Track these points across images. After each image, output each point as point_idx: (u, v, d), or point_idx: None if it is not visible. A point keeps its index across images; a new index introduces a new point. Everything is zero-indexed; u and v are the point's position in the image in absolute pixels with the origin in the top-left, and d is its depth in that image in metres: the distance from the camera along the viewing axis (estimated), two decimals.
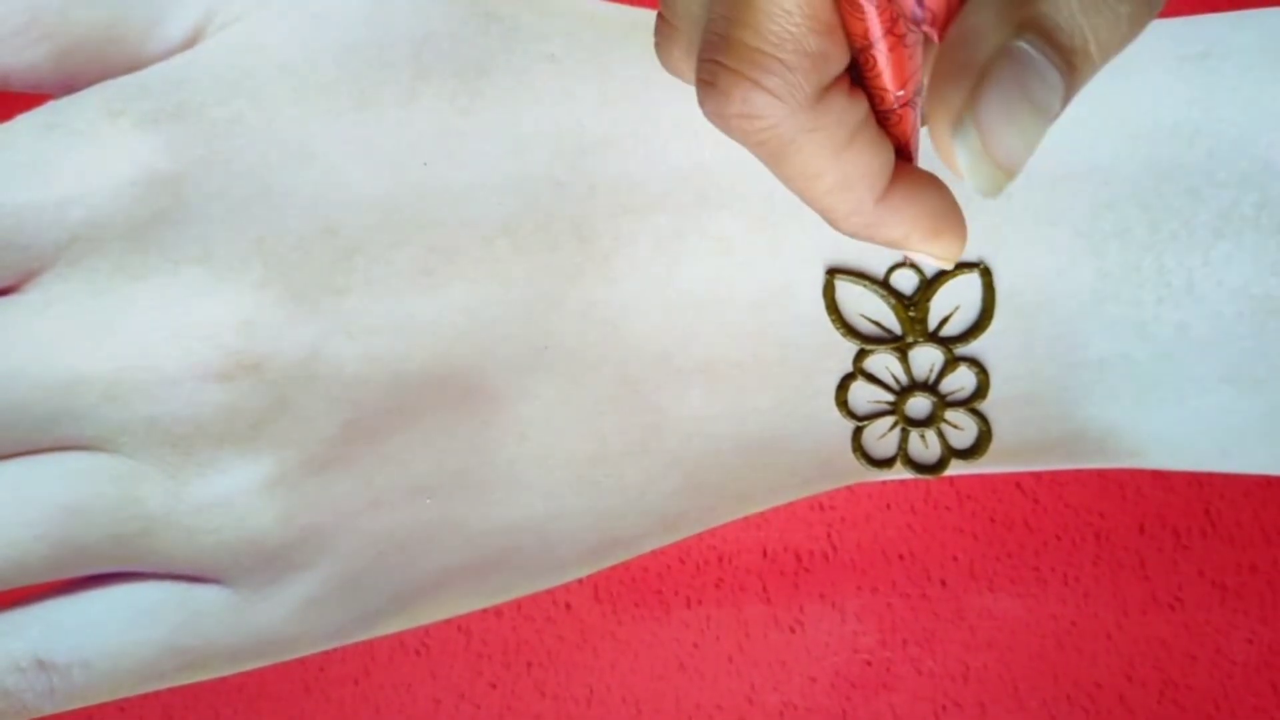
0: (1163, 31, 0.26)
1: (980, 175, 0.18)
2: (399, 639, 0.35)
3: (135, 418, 0.25)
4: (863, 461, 0.28)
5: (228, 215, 0.25)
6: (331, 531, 0.26)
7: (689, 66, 0.21)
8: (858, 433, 0.27)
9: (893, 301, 0.27)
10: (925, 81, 0.21)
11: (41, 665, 0.25)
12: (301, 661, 0.34)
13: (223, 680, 0.28)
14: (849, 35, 0.20)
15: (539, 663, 0.34)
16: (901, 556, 0.34)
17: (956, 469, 0.28)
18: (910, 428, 0.27)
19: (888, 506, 0.34)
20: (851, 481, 0.28)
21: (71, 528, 0.25)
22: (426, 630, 0.35)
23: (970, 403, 0.27)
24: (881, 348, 0.27)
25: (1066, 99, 0.18)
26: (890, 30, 0.19)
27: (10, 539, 0.25)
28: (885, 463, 0.28)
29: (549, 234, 0.26)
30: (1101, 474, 0.34)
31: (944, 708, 0.34)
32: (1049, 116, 0.18)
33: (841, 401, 0.27)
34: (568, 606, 0.34)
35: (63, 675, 0.25)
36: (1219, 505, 0.34)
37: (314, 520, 0.26)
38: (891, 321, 0.27)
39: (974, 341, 0.27)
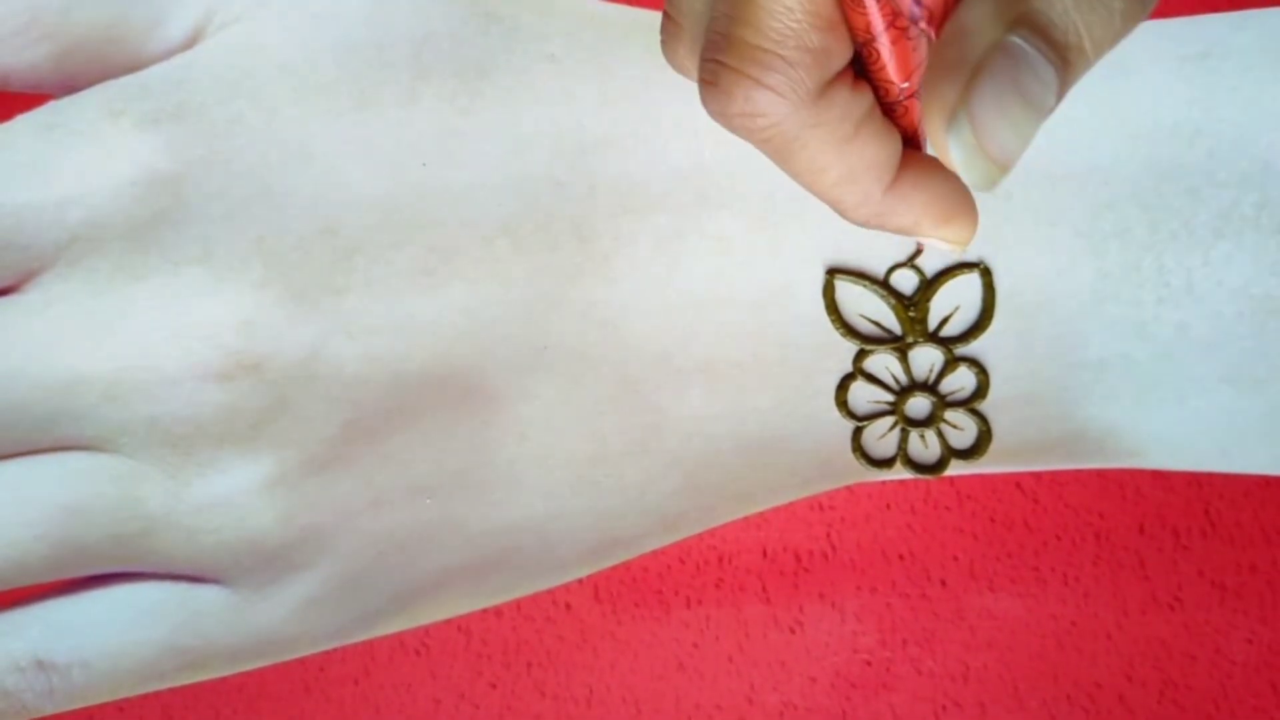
0: (1163, 31, 0.26)
1: (974, 170, 0.19)
2: (399, 639, 0.35)
3: (135, 418, 0.25)
4: (863, 461, 0.28)
5: (228, 215, 0.25)
6: (331, 531, 0.26)
7: (694, 64, 0.21)
8: (857, 433, 0.27)
9: (893, 301, 0.27)
10: None
11: (41, 665, 0.25)
12: (301, 661, 0.34)
13: (223, 680, 0.28)
14: (851, 30, 0.20)
15: (539, 663, 0.34)
16: (901, 556, 0.34)
17: (956, 469, 0.28)
18: (910, 428, 0.27)
19: (888, 506, 0.34)
20: (851, 481, 0.28)
21: (71, 528, 0.25)
22: (426, 630, 0.35)
23: (970, 403, 0.27)
24: (881, 348, 0.27)
25: (1060, 94, 0.18)
26: (892, 24, 0.20)
27: (10, 539, 0.25)
28: (885, 463, 0.28)
29: (549, 234, 0.26)
30: (1101, 474, 0.34)
31: (944, 708, 0.34)
32: (1043, 111, 0.18)
33: (841, 401, 0.27)
34: (568, 606, 0.34)
35: (63, 675, 0.25)
36: (1219, 505, 0.34)
37: (314, 520, 0.26)
38: (891, 321, 0.27)
39: (974, 341, 0.27)
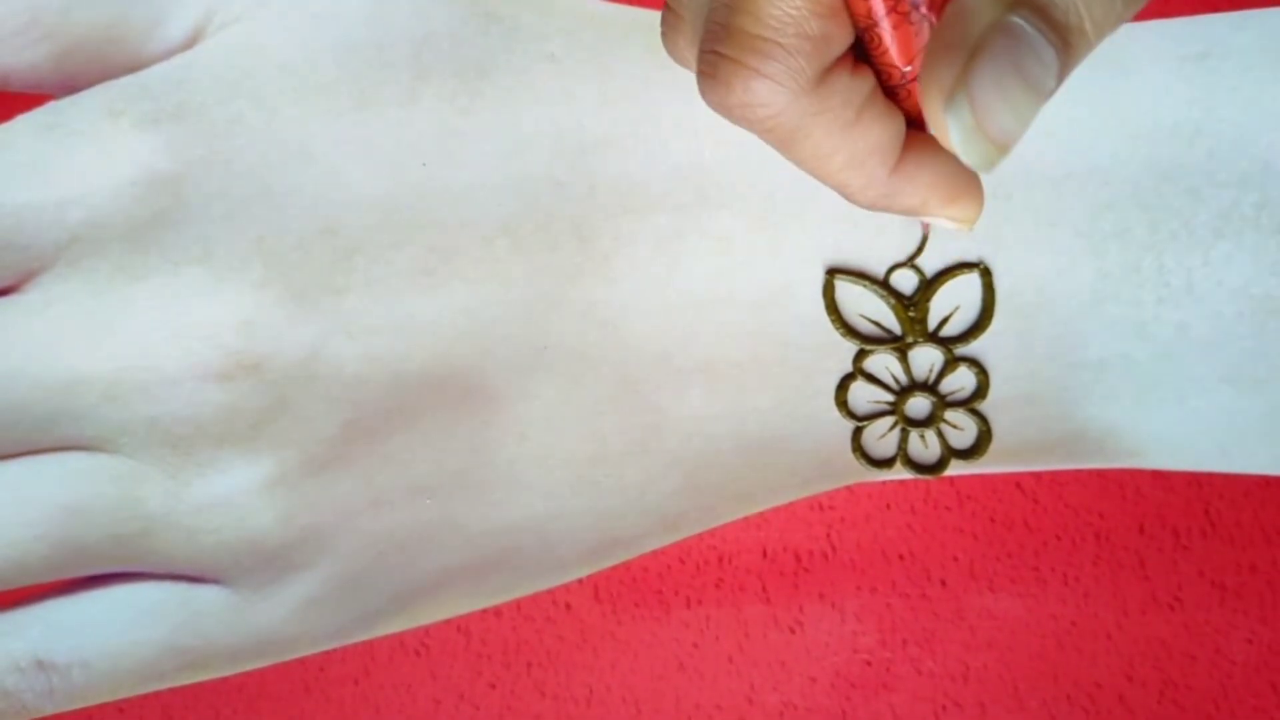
0: (1163, 31, 0.26)
1: (973, 150, 0.18)
2: (399, 639, 0.35)
3: (135, 418, 0.25)
4: (863, 461, 0.28)
5: (228, 215, 0.25)
6: (331, 531, 0.26)
7: (695, 56, 0.21)
8: (857, 433, 0.27)
9: (893, 301, 0.27)
10: None
11: (41, 665, 0.25)
12: (301, 661, 0.34)
13: (223, 680, 0.28)
14: (852, 15, 0.20)
15: (539, 663, 0.34)
16: (901, 556, 0.34)
17: (956, 469, 0.28)
18: (910, 428, 0.27)
19: (888, 506, 0.34)
20: (851, 481, 0.28)
21: (71, 528, 0.25)
22: (426, 630, 0.35)
23: (970, 403, 0.27)
24: (881, 348, 0.27)
25: (1061, 76, 0.18)
26: (894, 9, 0.19)
27: (10, 539, 0.25)
28: (885, 463, 0.28)
29: (549, 234, 0.26)
30: (1101, 474, 0.34)
31: (944, 708, 0.34)
32: (1043, 93, 0.18)
33: (841, 401, 0.27)
34: (568, 606, 0.34)
35: (63, 675, 0.25)
36: (1219, 505, 0.34)
37: (314, 520, 0.26)
38: (891, 321, 0.27)
39: (974, 342, 0.27)
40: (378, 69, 0.25)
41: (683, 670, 0.34)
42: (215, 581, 0.26)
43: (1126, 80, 0.26)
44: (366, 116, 0.25)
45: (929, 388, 0.27)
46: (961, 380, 0.27)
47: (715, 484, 0.27)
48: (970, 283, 0.26)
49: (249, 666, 0.27)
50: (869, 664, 0.34)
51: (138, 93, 0.25)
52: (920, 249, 0.26)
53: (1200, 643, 0.34)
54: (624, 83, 0.26)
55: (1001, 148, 0.18)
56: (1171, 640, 0.34)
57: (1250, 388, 0.26)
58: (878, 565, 0.34)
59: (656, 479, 0.27)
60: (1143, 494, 0.34)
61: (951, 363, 0.27)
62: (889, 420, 0.27)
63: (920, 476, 0.28)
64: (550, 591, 0.33)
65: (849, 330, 0.27)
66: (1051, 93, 0.18)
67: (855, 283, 0.26)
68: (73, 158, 0.24)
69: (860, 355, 0.27)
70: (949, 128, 0.18)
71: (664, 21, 0.21)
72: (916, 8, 0.19)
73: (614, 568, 0.30)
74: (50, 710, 0.26)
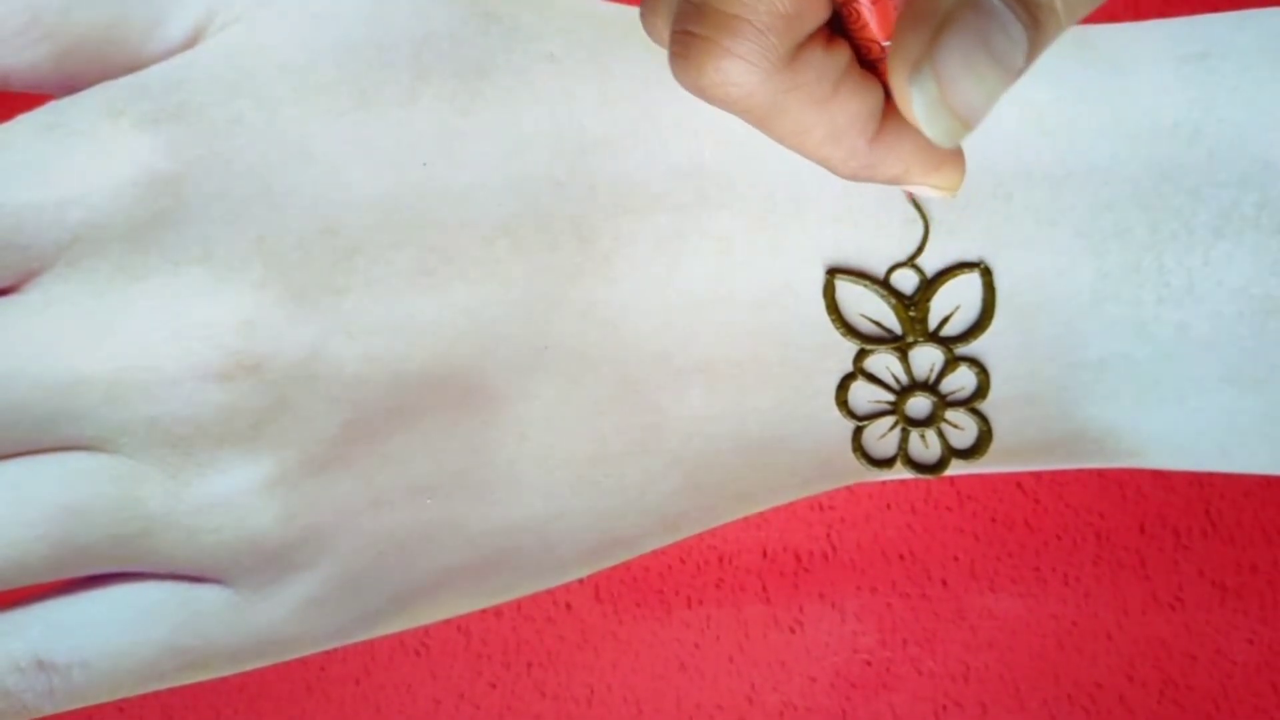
0: (1163, 31, 0.26)
1: (936, 124, 0.18)
2: (399, 639, 0.35)
3: (135, 418, 0.25)
4: (863, 461, 0.28)
5: (228, 215, 0.25)
6: (332, 531, 0.26)
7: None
8: (858, 433, 0.27)
9: (893, 301, 0.27)
10: None
11: (41, 665, 0.25)
12: (302, 661, 0.34)
13: (223, 680, 0.28)
14: None
15: (539, 663, 0.34)
16: (902, 556, 0.34)
17: (957, 469, 0.28)
18: (910, 428, 0.27)
19: (888, 506, 0.34)
20: (851, 481, 0.28)
21: (71, 528, 0.25)
22: (426, 630, 0.35)
23: (970, 403, 0.27)
24: (882, 348, 0.27)
25: (1031, 56, 0.18)
26: None
27: (10, 539, 0.25)
28: (885, 463, 0.28)
29: (549, 234, 0.26)
30: (1101, 474, 0.34)
31: (944, 708, 0.34)
32: (1011, 71, 0.18)
33: (841, 401, 0.27)
34: (568, 606, 0.34)
35: (63, 675, 0.25)
36: (1219, 505, 0.34)
37: (314, 520, 0.26)
38: (892, 321, 0.27)
39: (974, 341, 0.27)
40: (378, 69, 0.25)
41: (683, 670, 0.34)
42: (215, 581, 0.26)
43: (1126, 80, 0.26)
44: (367, 116, 0.25)
45: (929, 387, 0.27)
46: (962, 380, 0.27)
47: (715, 484, 0.27)
48: (970, 282, 0.26)
49: (249, 666, 0.27)
50: (869, 664, 0.34)
51: (138, 93, 0.25)
52: (921, 248, 0.26)
53: (1201, 643, 0.34)
54: (624, 83, 0.26)
55: (965, 123, 0.18)
56: (1172, 640, 0.34)
57: (1250, 388, 0.26)
58: (878, 565, 0.34)
59: (656, 479, 0.27)
60: (1143, 494, 0.34)
61: (952, 362, 0.27)
62: (889, 420, 0.27)
63: (921, 476, 0.28)
64: (550, 591, 0.33)
65: (849, 330, 0.27)
66: (1020, 72, 0.18)
67: (856, 282, 0.26)
68: (73, 158, 0.24)
69: (861, 355, 0.27)
70: (912, 98, 0.18)
71: (643, 2, 0.21)
72: None
73: (614, 568, 0.30)
74: (50, 710, 0.26)
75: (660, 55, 0.22)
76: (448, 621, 0.34)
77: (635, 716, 0.34)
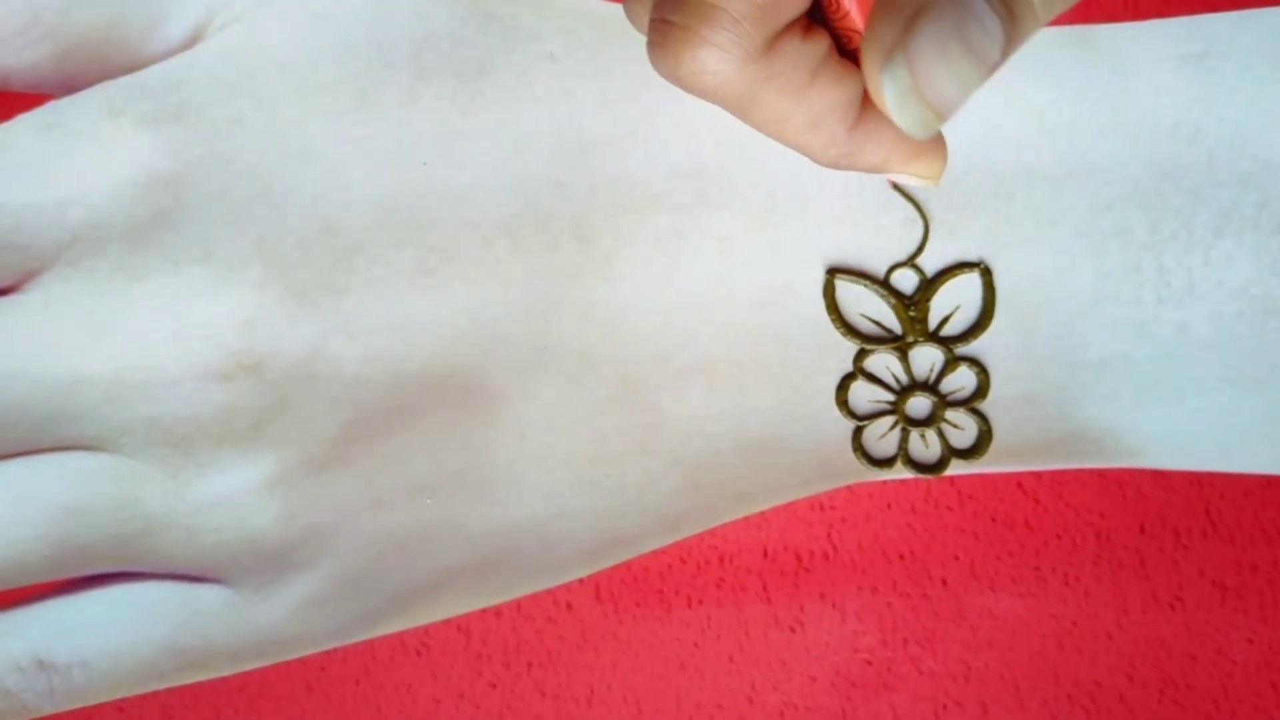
0: (1163, 31, 0.26)
1: (908, 113, 0.18)
2: (399, 639, 0.35)
3: (135, 418, 0.25)
4: (863, 461, 0.28)
5: (228, 215, 0.25)
6: (332, 531, 0.26)
7: None
8: (858, 432, 0.27)
9: (893, 301, 0.27)
10: None
11: (41, 665, 0.25)
12: (302, 661, 0.34)
13: (223, 680, 0.28)
14: None
15: (539, 663, 0.34)
16: (902, 556, 0.34)
17: (957, 469, 0.28)
18: (910, 427, 0.27)
19: (888, 506, 0.34)
20: (852, 481, 0.28)
21: (72, 528, 0.25)
22: (426, 630, 0.35)
23: (970, 402, 0.27)
24: (882, 347, 0.27)
25: (1006, 51, 0.18)
26: None
27: (10, 539, 0.25)
28: (886, 462, 0.28)
29: (549, 234, 0.26)
30: (1101, 474, 0.34)
31: (945, 707, 0.34)
32: (986, 64, 0.18)
33: (842, 401, 0.27)
34: (568, 606, 0.34)
35: (63, 675, 0.25)
36: (1219, 505, 0.34)
37: (314, 520, 0.26)
38: (892, 321, 0.27)
39: (974, 341, 0.27)
40: (378, 69, 0.25)
41: (684, 670, 0.34)
42: (216, 581, 0.26)
43: (1126, 80, 0.26)
44: (367, 116, 0.25)
45: (930, 387, 0.27)
46: (962, 380, 0.27)
47: (715, 484, 0.27)
48: (970, 282, 0.26)
49: (249, 666, 0.27)
50: (870, 663, 0.34)
51: (138, 92, 0.25)
52: (921, 248, 0.26)
53: (1201, 642, 0.34)
54: (624, 83, 0.26)
55: (938, 114, 0.18)
56: (1172, 640, 0.34)
57: (1250, 388, 0.26)
58: (878, 565, 0.34)
59: (656, 479, 0.27)
60: (1143, 494, 0.34)
61: (952, 362, 0.27)
62: (889, 420, 0.27)
63: (921, 476, 0.28)
64: (550, 591, 0.33)
65: (849, 330, 0.27)
66: (996, 65, 0.18)
67: (856, 282, 0.26)
68: (73, 157, 0.24)
69: (861, 355, 0.27)
70: (884, 86, 0.18)
71: None
72: None
73: (614, 568, 0.30)
74: (50, 710, 0.26)
75: None
76: (448, 621, 0.34)
77: (635, 716, 0.34)
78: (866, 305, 0.27)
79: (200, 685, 0.27)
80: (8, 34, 0.25)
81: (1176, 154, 0.26)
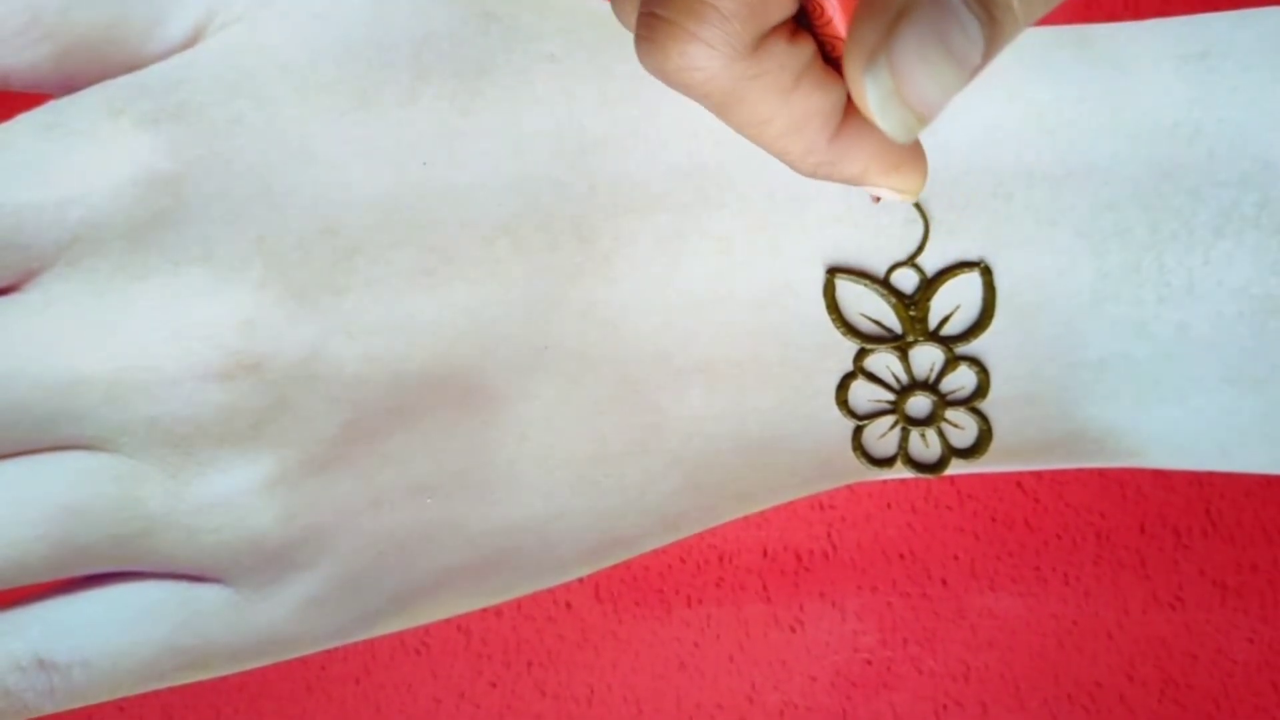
0: (1163, 31, 0.26)
1: (890, 116, 0.18)
2: (399, 639, 0.35)
3: (135, 418, 0.25)
4: (863, 461, 0.28)
5: (228, 215, 0.25)
6: (332, 531, 0.26)
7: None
8: (858, 432, 0.27)
9: (893, 301, 0.27)
10: None
11: (42, 665, 0.25)
12: (302, 661, 0.34)
13: (223, 680, 0.28)
14: None
15: (539, 662, 0.34)
16: (902, 556, 0.34)
17: (957, 468, 0.28)
18: (911, 427, 0.27)
19: (888, 506, 0.34)
20: (852, 481, 0.28)
21: (72, 528, 0.25)
22: (426, 630, 0.35)
23: (971, 402, 0.27)
24: (882, 347, 0.27)
25: (988, 54, 0.18)
26: None
27: (10, 539, 0.25)
28: (886, 462, 0.28)
29: (549, 234, 0.26)
30: (1102, 474, 0.34)
31: (945, 707, 0.34)
32: (967, 67, 0.18)
33: (842, 401, 0.27)
34: (568, 606, 0.34)
35: (63, 675, 0.25)
36: (1219, 505, 0.34)
37: (314, 520, 0.26)
38: (892, 321, 0.27)
39: (974, 341, 0.27)
40: (378, 69, 0.25)
41: (683, 669, 0.34)
42: (216, 581, 0.26)
43: (1126, 80, 0.26)
44: (367, 116, 0.25)
45: (930, 387, 0.27)
46: (962, 379, 0.27)
47: (715, 484, 0.27)
48: (971, 282, 0.26)
49: (249, 666, 0.27)
50: (870, 663, 0.34)
51: (138, 92, 0.25)
52: (921, 248, 0.26)
53: (1201, 642, 0.34)
54: (624, 83, 0.26)
55: (920, 117, 0.18)
56: (1172, 640, 0.34)
57: (1250, 388, 0.26)
58: (878, 564, 0.34)
59: (656, 479, 0.27)
60: (1143, 493, 0.34)
61: (952, 362, 0.27)
62: (889, 419, 0.27)
63: (921, 476, 0.28)
64: (550, 591, 0.33)
65: (849, 329, 0.27)
66: (977, 69, 0.18)
67: (856, 282, 0.26)
68: (73, 157, 0.24)
69: (861, 354, 0.27)
70: (866, 89, 0.18)
71: None
72: None
73: (614, 567, 0.30)
74: (50, 709, 0.26)
75: None
76: (448, 621, 0.34)
77: (635, 716, 0.34)
78: (866, 305, 0.27)
79: (200, 685, 0.27)
80: (8, 34, 0.25)
81: (1176, 154, 0.26)
